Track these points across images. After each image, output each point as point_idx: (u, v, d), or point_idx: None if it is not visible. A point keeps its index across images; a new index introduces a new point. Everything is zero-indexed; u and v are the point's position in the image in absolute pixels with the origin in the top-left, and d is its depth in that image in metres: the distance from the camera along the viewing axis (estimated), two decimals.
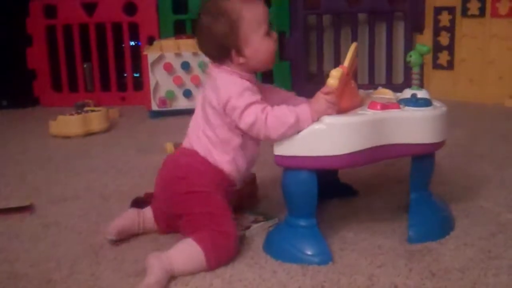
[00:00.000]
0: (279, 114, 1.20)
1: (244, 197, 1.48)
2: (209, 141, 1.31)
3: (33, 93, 3.24)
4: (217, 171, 1.30)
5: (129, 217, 1.36)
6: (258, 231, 1.36)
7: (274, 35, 1.30)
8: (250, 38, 1.27)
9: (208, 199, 1.27)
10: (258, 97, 1.25)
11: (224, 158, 1.30)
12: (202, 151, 1.31)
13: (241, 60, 1.27)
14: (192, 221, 1.25)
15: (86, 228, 1.45)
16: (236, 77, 1.27)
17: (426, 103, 1.29)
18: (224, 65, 1.29)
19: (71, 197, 1.69)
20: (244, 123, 1.23)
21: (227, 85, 1.26)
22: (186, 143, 1.36)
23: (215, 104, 1.27)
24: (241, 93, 1.23)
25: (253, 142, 1.32)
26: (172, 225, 1.34)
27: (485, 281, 1.12)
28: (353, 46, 1.30)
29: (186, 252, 1.18)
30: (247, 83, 1.26)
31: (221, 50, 1.28)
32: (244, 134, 1.29)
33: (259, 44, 1.27)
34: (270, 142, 1.23)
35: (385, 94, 1.40)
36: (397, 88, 1.47)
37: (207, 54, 1.32)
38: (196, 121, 1.35)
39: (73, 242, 1.37)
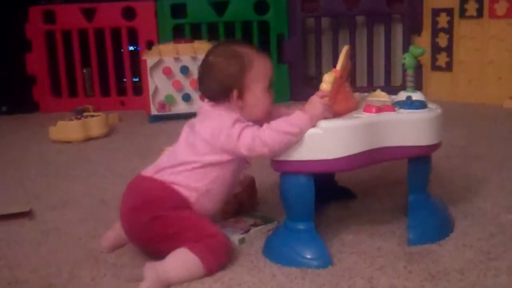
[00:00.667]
0: (277, 127, 1.21)
1: (243, 200, 1.49)
2: (186, 168, 1.27)
3: (33, 99, 3.25)
4: (179, 198, 1.27)
5: (119, 228, 1.34)
6: (257, 235, 1.36)
7: (272, 94, 1.33)
8: (254, 86, 1.29)
9: (175, 217, 1.24)
10: (249, 123, 1.26)
11: (195, 190, 1.27)
12: (168, 178, 1.27)
13: (240, 103, 1.28)
14: (172, 242, 1.21)
15: (86, 233, 1.45)
16: (227, 112, 1.28)
17: (421, 105, 1.29)
18: (222, 106, 1.29)
19: (71, 203, 1.70)
20: (243, 146, 1.23)
21: (218, 118, 1.27)
22: (147, 171, 1.32)
23: (208, 138, 1.26)
24: (234, 122, 1.24)
25: (235, 172, 1.31)
26: (144, 250, 1.30)
27: (484, 282, 1.12)
28: (344, 49, 1.30)
29: (180, 260, 1.17)
30: (238, 116, 1.27)
31: (223, 89, 1.28)
32: (229, 166, 1.28)
33: (259, 95, 1.30)
34: (277, 156, 1.22)
35: (381, 97, 1.41)
36: (396, 90, 1.48)
37: (206, 92, 1.32)
38: (175, 154, 1.31)
39: (73, 247, 1.38)
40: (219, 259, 1.20)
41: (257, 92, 1.29)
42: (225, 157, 1.27)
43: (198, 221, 1.25)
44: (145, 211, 1.25)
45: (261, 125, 1.24)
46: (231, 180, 1.32)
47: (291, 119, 1.20)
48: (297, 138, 1.19)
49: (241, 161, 1.31)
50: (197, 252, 1.17)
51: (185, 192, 1.27)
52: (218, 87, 1.29)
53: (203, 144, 1.27)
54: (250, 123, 1.26)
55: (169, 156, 1.33)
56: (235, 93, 1.28)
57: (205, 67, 1.32)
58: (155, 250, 1.24)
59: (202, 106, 1.33)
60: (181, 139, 1.33)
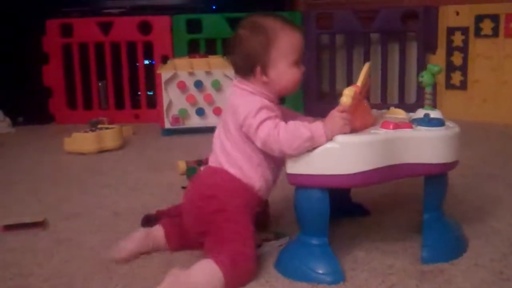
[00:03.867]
0: (292, 128, 1.21)
1: (255, 215, 1.49)
2: (237, 158, 1.30)
3: (49, 110, 3.28)
4: (247, 189, 1.31)
5: (138, 238, 1.36)
6: (268, 250, 1.36)
7: (303, 68, 1.32)
8: (278, 61, 1.28)
9: (237, 217, 1.26)
10: (274, 114, 1.26)
11: (255, 174, 1.31)
12: (232, 169, 1.31)
13: (264, 79, 1.29)
14: (217, 237, 1.24)
15: (98, 244, 1.46)
16: (255, 96, 1.29)
17: (439, 123, 1.29)
18: (248, 81, 1.31)
19: (84, 213, 1.71)
20: (258, 139, 1.24)
21: (246, 103, 1.27)
22: (212, 161, 1.36)
23: (235, 122, 1.28)
24: (258, 110, 1.24)
25: (273, 156, 1.32)
26: (185, 243, 1.35)
27: None
28: (366, 66, 1.31)
29: (205, 272, 1.17)
30: (266, 101, 1.27)
31: (248, 64, 1.29)
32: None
33: (284, 70, 1.29)
34: (286, 157, 1.23)
35: (398, 114, 1.41)
36: (410, 108, 1.47)
37: (233, 65, 1.33)
38: (219, 139, 1.34)
39: (85, 257, 1.38)
40: (240, 280, 1.20)
41: (282, 67, 1.28)
42: (257, 149, 1.28)
43: (247, 235, 1.25)
44: (215, 200, 1.27)
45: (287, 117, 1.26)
46: (272, 161, 1.33)
47: (307, 124, 1.21)
48: (308, 144, 1.19)
49: None
50: (223, 268, 1.16)
51: (248, 182, 1.30)
52: (242, 62, 1.30)
53: (236, 132, 1.29)
54: (273, 114, 1.25)
55: (218, 145, 1.34)
56: (258, 69, 1.28)
57: (234, 39, 1.32)
58: (203, 242, 1.27)
59: (233, 83, 1.34)
60: (220, 123, 1.36)
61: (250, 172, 1.31)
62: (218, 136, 1.36)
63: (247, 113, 1.25)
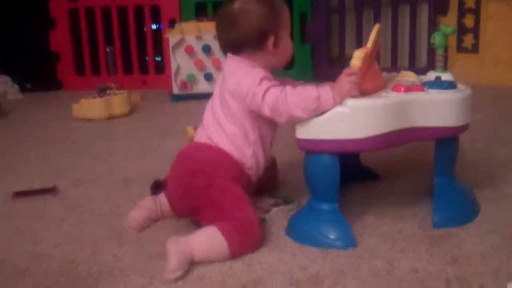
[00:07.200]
0: (299, 90, 1.21)
1: (264, 180, 1.48)
2: (232, 133, 1.29)
3: (57, 76, 3.27)
4: (237, 165, 1.30)
5: (147, 207, 1.35)
6: (278, 215, 1.36)
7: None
8: (284, 32, 1.31)
9: (227, 187, 1.25)
10: (276, 82, 1.25)
11: (247, 150, 1.30)
12: (223, 143, 1.29)
13: (274, 51, 1.28)
14: (213, 210, 1.23)
15: (108, 210, 1.47)
16: (254, 68, 1.27)
17: (450, 85, 1.27)
18: (245, 57, 1.29)
19: (93, 180, 1.72)
20: (267, 105, 1.22)
21: (247, 75, 1.26)
22: (201, 137, 1.34)
23: (237, 95, 1.26)
24: (261, 80, 1.23)
25: (268, 133, 1.32)
26: (188, 214, 1.34)
27: (508, 267, 1.10)
28: (376, 27, 1.28)
29: (208, 240, 1.16)
30: (264, 73, 1.26)
31: (258, 36, 1.27)
32: (262, 126, 1.29)
33: (286, 42, 1.31)
34: (295, 121, 1.21)
35: (409, 76, 1.38)
36: (420, 71, 1.45)
37: (231, 42, 1.30)
38: (212, 113, 1.33)
39: (95, 223, 1.39)
40: (246, 247, 1.19)
41: (285, 39, 1.31)
42: (254, 115, 1.27)
43: (243, 201, 1.24)
44: (203, 175, 1.26)
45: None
46: (268, 138, 1.33)
47: (318, 89, 1.19)
48: (316, 105, 1.17)
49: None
50: (227, 235, 1.16)
51: (240, 158, 1.29)
52: (252, 34, 1.27)
53: (236, 106, 1.27)
54: (276, 82, 1.24)
55: (210, 121, 1.33)
56: (271, 40, 1.27)
57: (231, 15, 1.29)
58: (198, 217, 1.27)
59: (228, 58, 1.32)
60: (214, 99, 1.34)
61: (244, 148, 1.29)
62: (210, 110, 1.34)
63: (250, 83, 1.23)
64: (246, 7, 1.28)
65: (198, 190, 1.26)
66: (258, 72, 1.25)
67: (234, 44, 1.30)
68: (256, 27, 1.27)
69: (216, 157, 1.29)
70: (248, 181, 1.34)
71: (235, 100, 1.27)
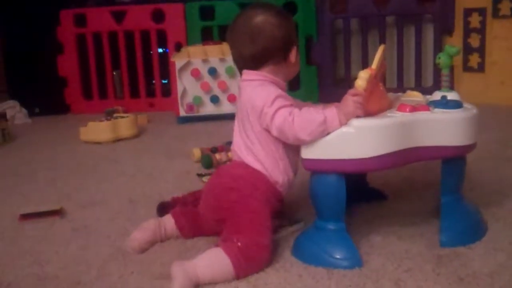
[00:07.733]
0: (305, 114, 1.21)
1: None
2: (259, 153, 1.31)
3: (64, 101, 3.30)
4: (270, 184, 1.31)
5: (149, 229, 1.35)
6: (283, 235, 1.36)
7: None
8: (296, 45, 1.35)
9: (257, 208, 1.26)
10: (288, 102, 1.26)
11: (277, 169, 1.31)
12: (255, 164, 1.31)
13: (294, 63, 1.33)
14: (232, 224, 1.24)
15: (115, 231, 1.47)
16: (269, 86, 1.29)
17: (456, 105, 1.27)
18: (263, 70, 1.31)
19: (100, 202, 1.72)
20: (274, 127, 1.24)
21: (261, 94, 1.27)
22: (235, 156, 1.37)
23: (255, 115, 1.28)
24: (274, 99, 1.25)
25: (294, 147, 1.31)
26: (198, 231, 1.35)
27: None
28: (381, 48, 1.29)
29: (213, 263, 1.16)
30: (280, 91, 1.28)
31: (284, 45, 1.31)
32: (283, 142, 1.29)
33: (297, 54, 1.35)
34: (301, 144, 1.22)
35: (415, 96, 1.39)
36: (427, 91, 1.46)
37: (260, 53, 1.30)
38: (239, 136, 1.35)
39: (101, 245, 1.39)
40: (252, 270, 1.18)
41: (296, 51, 1.34)
42: (277, 140, 1.29)
43: (264, 225, 1.24)
44: (237, 192, 1.28)
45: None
46: (295, 152, 1.32)
47: (324, 112, 1.19)
48: (322, 128, 1.18)
49: None
50: (233, 257, 1.16)
51: (271, 176, 1.31)
52: (278, 45, 1.30)
53: (254, 119, 1.29)
54: (289, 103, 1.26)
55: (238, 142, 1.35)
56: (294, 49, 1.32)
57: (256, 28, 1.30)
58: (221, 229, 1.27)
59: (245, 75, 1.33)
60: (238, 117, 1.36)
61: (273, 167, 1.31)
62: (237, 131, 1.36)
63: (264, 103, 1.25)
64: (269, 19, 1.30)
65: (228, 204, 1.28)
66: (272, 91, 1.27)
67: (258, 56, 1.31)
68: (281, 37, 1.30)
69: (251, 176, 1.30)
70: (280, 200, 1.35)
71: (256, 121, 1.29)
